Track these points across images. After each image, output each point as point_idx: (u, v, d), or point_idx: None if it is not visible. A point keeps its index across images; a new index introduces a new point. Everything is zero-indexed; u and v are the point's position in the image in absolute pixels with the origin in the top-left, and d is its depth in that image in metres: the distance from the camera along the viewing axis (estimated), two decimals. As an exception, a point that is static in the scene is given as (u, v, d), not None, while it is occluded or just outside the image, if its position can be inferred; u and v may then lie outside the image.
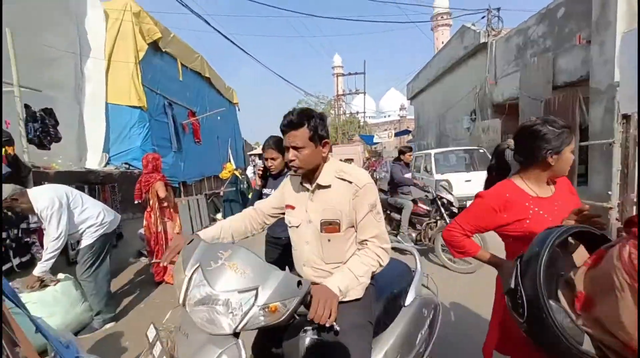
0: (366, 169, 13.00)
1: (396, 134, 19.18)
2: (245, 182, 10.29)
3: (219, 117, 8.52)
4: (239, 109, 13.39)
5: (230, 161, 10.84)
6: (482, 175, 6.87)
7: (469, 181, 7.24)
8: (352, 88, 26.13)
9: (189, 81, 7.98)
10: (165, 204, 4.05)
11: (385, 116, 67.41)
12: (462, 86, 9.88)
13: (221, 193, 8.66)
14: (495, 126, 7.66)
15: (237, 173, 8.88)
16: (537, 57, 6.07)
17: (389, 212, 4.99)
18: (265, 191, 2.45)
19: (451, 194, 4.62)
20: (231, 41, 9.74)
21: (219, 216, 8.87)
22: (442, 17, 70.25)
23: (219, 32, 9.34)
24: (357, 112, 27.04)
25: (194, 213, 7.43)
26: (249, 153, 12.93)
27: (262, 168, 2.48)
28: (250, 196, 9.16)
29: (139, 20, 6.18)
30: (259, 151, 12.78)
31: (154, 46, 6.58)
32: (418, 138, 15.87)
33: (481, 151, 7.61)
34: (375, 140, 20.10)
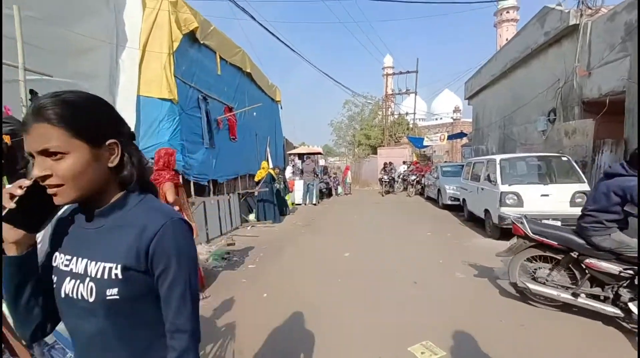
0: (412, 174, 11.63)
1: (449, 137, 17.36)
2: (282, 182, 9.72)
3: (254, 114, 8.02)
4: (281, 107, 12.93)
5: (267, 159, 10.38)
6: (564, 189, 5.34)
7: (546, 195, 5.77)
8: (403, 89, 24.54)
9: (227, 76, 7.57)
10: (177, 207, 3.52)
11: (437, 119, 63.72)
12: (539, 80, 8.20)
13: (255, 193, 8.14)
14: (586, 128, 6.06)
15: (272, 172, 8.30)
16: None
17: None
18: None
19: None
20: (277, 37, 9.23)
21: (251, 216, 8.38)
22: (507, 12, 64.27)
23: (265, 28, 8.89)
24: (407, 113, 25.34)
25: (224, 213, 6.96)
26: (288, 152, 12.43)
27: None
28: (287, 197, 8.29)
29: (176, 9, 5.84)
30: (300, 150, 12.20)
31: (191, 37, 6.22)
32: (476, 142, 14.06)
33: (564, 158, 6.06)
34: (425, 143, 18.45)
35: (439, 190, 10.63)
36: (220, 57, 7.17)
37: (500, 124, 10.91)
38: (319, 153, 13.23)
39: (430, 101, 66.55)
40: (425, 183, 13.17)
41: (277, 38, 9.73)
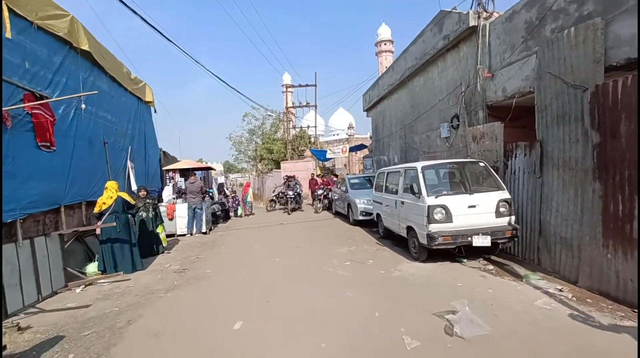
0: (321, 188, 10.28)
1: (351, 149, 17.09)
2: (150, 209, 6.91)
3: (86, 108, 5.18)
4: (155, 111, 9.95)
5: (129, 177, 7.38)
6: (488, 198, 4.27)
7: (473, 206, 4.96)
8: (303, 103, 23.89)
9: (33, 45, 4.63)
10: None
11: (334, 134, 67.19)
12: (439, 86, 7.93)
13: (97, 231, 5.24)
14: (494, 131, 5.65)
15: (126, 196, 5.55)
16: (572, 30, 4.17)
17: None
18: None
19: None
20: (172, 42, 6.61)
21: (90, 268, 5.38)
22: (384, 44, 73.67)
23: (156, 29, 6.22)
24: (308, 127, 24.74)
25: (28, 270, 3.97)
26: (165, 168, 9.47)
27: None
28: (159, 229, 5.53)
29: None
30: (181, 164, 9.38)
31: None
32: (377, 153, 13.86)
33: (481, 164, 5.45)
34: (328, 155, 17.79)
35: (348, 205, 9.52)
36: (13, 12, 4.25)
37: (400, 134, 10.68)
38: (209, 168, 10.58)
39: (327, 118, 69.93)
40: (332, 197, 12.07)
41: (174, 43, 7.24)
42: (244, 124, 30.73)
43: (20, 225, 4.18)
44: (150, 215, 6.84)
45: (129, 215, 6.46)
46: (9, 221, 3.95)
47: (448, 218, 4.87)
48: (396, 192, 6.13)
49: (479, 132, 6.16)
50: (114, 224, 5.08)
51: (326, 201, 13.11)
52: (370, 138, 16.72)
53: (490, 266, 4.87)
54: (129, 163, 7.34)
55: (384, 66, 72.44)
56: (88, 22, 6.24)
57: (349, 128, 70.41)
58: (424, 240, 4.95)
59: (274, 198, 14.05)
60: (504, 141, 5.56)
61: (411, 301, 3.66)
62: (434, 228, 4.82)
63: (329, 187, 13.21)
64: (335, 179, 13.93)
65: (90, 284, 4.92)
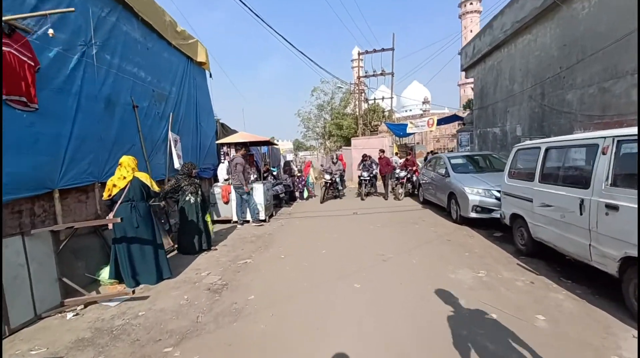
0: (403, 170, 7.51)
1: (440, 122, 13.63)
2: (196, 192, 5.29)
3: (111, 60, 3.45)
4: (210, 76, 8.35)
5: (171, 154, 5.86)
6: None
7: None
8: (376, 72, 20.71)
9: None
10: None
11: (406, 110, 61.60)
12: (612, 18, 4.39)
13: (109, 226, 3.68)
14: None
15: (144, 177, 3.85)
16: None
17: None
18: None
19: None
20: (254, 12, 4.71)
21: (105, 273, 3.92)
22: (470, 3, 62.68)
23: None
24: (383, 98, 21.48)
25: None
26: (218, 142, 7.85)
27: None
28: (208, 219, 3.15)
29: None
30: (233, 138, 7.65)
31: None
32: (481, 125, 10.38)
33: None
34: (409, 130, 14.61)
35: (451, 195, 6.69)
36: None
37: (532, 93, 7.21)
38: (269, 143, 8.69)
39: (399, 92, 64.13)
40: (420, 181, 9.27)
41: (255, 13, 5.48)
42: (312, 99, 28.84)
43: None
44: (195, 200, 5.21)
45: (158, 204, 4.90)
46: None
47: None
48: (584, 185, 3.20)
49: None
50: (119, 220, 3.40)
51: (409, 186, 10.42)
52: (468, 108, 13.00)
53: None
54: (170, 135, 5.79)
55: (469, 29, 62.08)
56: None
57: (424, 102, 63.83)
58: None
59: (325, 181, 10.23)
60: None
61: None
62: None
63: (414, 168, 10.38)
64: (408, 158, 10.97)
65: (94, 302, 3.42)
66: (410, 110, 59.24)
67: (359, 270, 4.11)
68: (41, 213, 3.42)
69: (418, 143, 21.82)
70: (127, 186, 3.71)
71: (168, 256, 5.09)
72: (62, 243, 3.38)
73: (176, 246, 5.43)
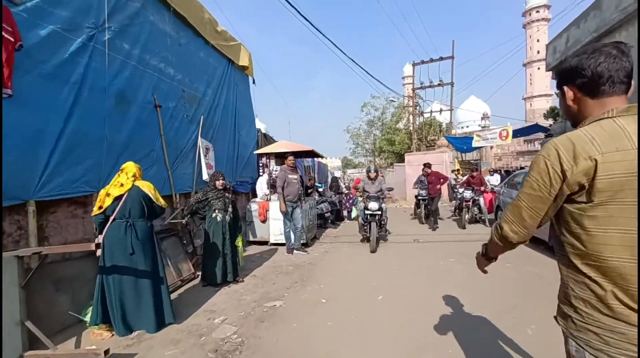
0: (468, 190, 5.52)
1: (516, 134, 11.39)
2: (224, 209, 4.29)
3: (129, 49, 2.71)
4: (254, 82, 7.66)
5: (200, 162, 5.05)
6: None
7: None
8: (431, 82, 19.05)
9: None
10: None
11: (462, 127, 57.27)
12: None
13: (97, 252, 2.74)
14: None
15: (147, 188, 2.88)
16: None
17: None
18: None
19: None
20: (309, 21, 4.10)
21: (88, 316, 2.96)
22: (537, 11, 57.23)
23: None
24: (441, 111, 19.49)
25: None
26: (256, 152, 6.95)
27: None
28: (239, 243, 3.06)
29: None
30: (274, 147, 6.68)
31: None
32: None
33: None
34: (475, 144, 12.52)
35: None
36: None
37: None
38: (314, 154, 7.45)
39: (455, 109, 60.09)
40: (500, 204, 7.30)
41: (309, 22, 4.86)
42: (362, 115, 27.78)
43: None
44: (228, 218, 4.21)
45: (180, 221, 3.99)
46: None
47: None
48: None
49: None
50: (92, 246, 2.43)
51: (475, 210, 8.17)
52: (553, 116, 10.63)
53: None
54: (200, 141, 5.00)
55: (535, 39, 56.43)
56: None
57: (482, 118, 58.90)
58: None
59: (368, 213, 5.95)
60: None
61: None
62: None
63: (481, 188, 8.30)
64: (474, 174, 8.59)
65: None
66: (467, 126, 54.92)
67: (439, 340, 2.61)
68: (14, 231, 2.64)
69: (479, 160, 19.17)
70: (124, 198, 2.80)
71: (187, 285, 4.13)
72: (29, 272, 2.52)
73: (199, 273, 4.46)
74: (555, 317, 1.01)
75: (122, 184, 2.82)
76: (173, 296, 3.72)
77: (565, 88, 0.94)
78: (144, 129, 3.93)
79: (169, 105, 4.44)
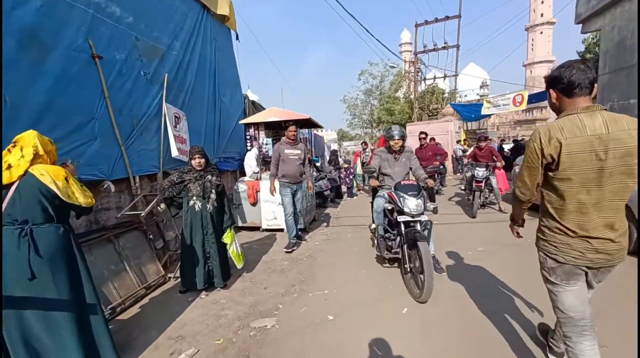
0: (481, 167, 5.09)
1: (532, 99, 10.25)
2: (203, 196, 3.19)
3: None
4: (237, 39, 6.36)
5: (165, 133, 3.96)
6: None
7: None
8: (432, 48, 17.47)
9: None
10: None
11: (460, 96, 55.58)
12: None
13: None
14: None
15: (56, 173, 1.71)
16: None
17: None
18: None
19: None
20: None
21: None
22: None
23: None
24: (445, 76, 18.07)
25: None
26: (241, 121, 5.73)
27: None
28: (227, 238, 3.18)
29: None
30: (264, 116, 5.52)
31: None
32: (616, 96, 7.07)
33: None
34: (485, 111, 11.39)
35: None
36: None
37: None
38: (310, 123, 6.11)
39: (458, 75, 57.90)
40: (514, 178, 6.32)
41: None
42: (359, 84, 26.12)
43: None
44: (210, 206, 3.19)
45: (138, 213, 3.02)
46: None
47: None
48: None
49: None
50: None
51: (487, 192, 6.37)
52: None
53: None
54: (166, 108, 3.86)
55: (539, 13, 52.77)
56: None
57: (481, 87, 57.24)
58: None
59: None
60: None
61: None
62: None
63: (496, 164, 6.03)
64: (481, 145, 6.32)
65: None
66: (466, 96, 53.17)
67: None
68: None
69: (485, 129, 18.08)
70: (11, 191, 1.77)
71: (155, 292, 3.22)
72: None
73: (170, 275, 3.55)
74: (535, 244, 1.66)
75: (9, 166, 1.77)
76: (132, 311, 2.82)
77: (551, 90, 1.49)
78: (75, 88, 2.79)
79: (114, 56, 3.25)
